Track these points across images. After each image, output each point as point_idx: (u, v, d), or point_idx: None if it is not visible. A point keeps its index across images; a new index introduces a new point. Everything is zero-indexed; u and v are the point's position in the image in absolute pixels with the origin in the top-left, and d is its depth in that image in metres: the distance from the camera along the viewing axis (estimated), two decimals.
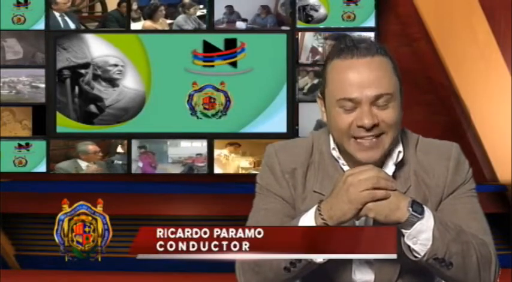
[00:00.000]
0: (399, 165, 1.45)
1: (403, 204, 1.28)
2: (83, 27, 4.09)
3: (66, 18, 4.07)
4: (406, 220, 1.28)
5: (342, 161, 1.45)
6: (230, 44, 4.04)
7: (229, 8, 4.07)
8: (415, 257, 1.31)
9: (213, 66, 4.07)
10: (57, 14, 4.06)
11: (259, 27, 4.06)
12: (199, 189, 4.02)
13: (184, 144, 4.11)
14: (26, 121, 4.12)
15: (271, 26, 4.06)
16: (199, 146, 4.09)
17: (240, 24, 4.07)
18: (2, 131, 4.08)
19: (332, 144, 1.46)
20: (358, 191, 1.27)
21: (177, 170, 4.09)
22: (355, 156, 1.39)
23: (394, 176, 1.42)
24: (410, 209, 1.28)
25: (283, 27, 4.05)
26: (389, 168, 1.43)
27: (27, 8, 4.09)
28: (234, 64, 4.06)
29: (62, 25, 4.07)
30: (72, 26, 4.08)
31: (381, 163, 1.43)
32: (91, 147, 4.09)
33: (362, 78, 1.36)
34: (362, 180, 1.28)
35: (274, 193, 1.46)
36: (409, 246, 1.31)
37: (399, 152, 1.45)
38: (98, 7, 4.13)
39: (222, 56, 4.07)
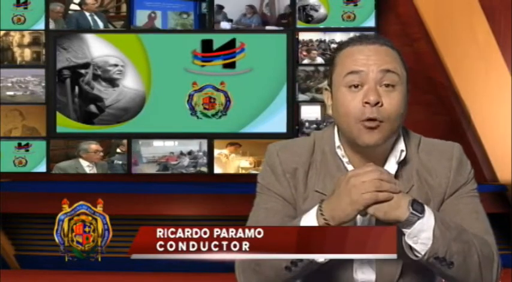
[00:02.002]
0: (402, 164, 1.45)
1: (404, 203, 1.28)
2: (111, 26, 4.10)
3: (96, 17, 4.10)
4: (406, 219, 1.28)
5: (345, 160, 1.45)
6: (208, 45, 4.05)
7: (218, 7, 4.08)
8: (416, 256, 1.31)
9: (213, 66, 4.07)
10: (87, 14, 4.09)
11: (245, 27, 4.06)
12: (199, 189, 4.02)
13: (157, 143, 4.11)
14: (25, 121, 4.12)
15: (255, 26, 4.07)
16: (172, 145, 4.09)
17: (224, 25, 4.07)
18: (10, 132, 4.11)
19: (337, 143, 1.46)
20: (360, 193, 1.27)
21: (152, 169, 4.09)
22: (357, 140, 1.39)
23: (396, 175, 1.42)
24: (411, 207, 1.28)
25: (268, 27, 4.05)
26: (392, 167, 1.43)
27: (27, 8, 4.09)
28: (232, 65, 4.06)
29: (92, 24, 4.10)
30: (100, 24, 4.10)
31: (383, 160, 1.43)
32: (93, 146, 4.09)
33: (369, 57, 1.39)
34: (365, 182, 1.28)
35: (275, 193, 1.46)
36: (410, 246, 1.31)
37: (402, 150, 1.45)
38: (124, 7, 4.15)
39: (221, 56, 4.07)
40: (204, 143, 4.08)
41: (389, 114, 1.37)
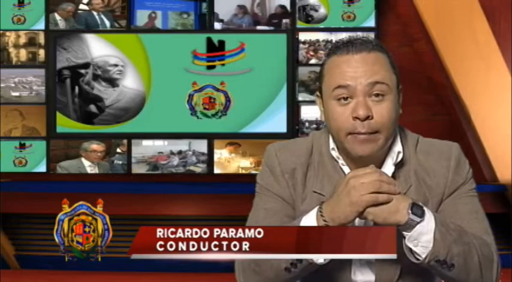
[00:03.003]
0: (399, 165, 1.44)
1: (403, 207, 1.28)
2: (116, 25, 4.11)
3: (103, 16, 4.12)
4: (405, 223, 1.28)
5: (341, 161, 1.45)
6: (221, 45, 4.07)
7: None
8: (417, 259, 1.31)
9: (212, 66, 4.07)
10: (95, 13, 4.11)
11: (236, 27, 4.06)
12: (199, 189, 4.02)
13: (146, 143, 4.11)
14: (25, 121, 4.12)
15: (246, 26, 4.07)
16: (161, 145, 4.10)
17: (215, 25, 4.08)
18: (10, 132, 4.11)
19: (331, 144, 1.46)
20: (359, 194, 1.27)
21: (142, 169, 4.09)
22: (351, 151, 1.38)
23: (394, 176, 1.42)
24: (410, 211, 1.28)
25: (259, 27, 4.06)
26: (389, 168, 1.43)
27: (27, 8, 4.09)
28: (212, 67, 4.07)
29: (99, 22, 4.11)
30: (107, 23, 4.11)
31: (380, 163, 1.43)
32: (93, 146, 4.09)
33: (357, 70, 1.37)
34: (365, 183, 1.27)
35: (274, 193, 1.46)
36: (410, 249, 1.31)
37: (398, 152, 1.44)
38: None
39: (221, 56, 4.07)
40: (193, 142, 4.08)
41: (381, 125, 1.36)
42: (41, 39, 4.11)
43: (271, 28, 4.07)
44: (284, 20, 4.06)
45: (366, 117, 1.35)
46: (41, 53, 4.11)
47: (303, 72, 4.05)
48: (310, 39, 4.03)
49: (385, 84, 1.37)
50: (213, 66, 4.07)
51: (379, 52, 1.40)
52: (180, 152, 4.08)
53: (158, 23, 4.12)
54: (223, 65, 4.07)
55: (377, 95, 1.36)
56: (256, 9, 4.08)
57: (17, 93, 4.11)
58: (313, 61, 4.03)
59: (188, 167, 4.08)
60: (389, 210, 1.27)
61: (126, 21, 4.12)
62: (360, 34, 1.49)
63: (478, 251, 1.32)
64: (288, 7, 4.06)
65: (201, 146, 4.09)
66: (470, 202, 1.44)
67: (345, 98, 1.37)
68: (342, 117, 1.37)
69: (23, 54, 4.12)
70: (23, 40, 4.12)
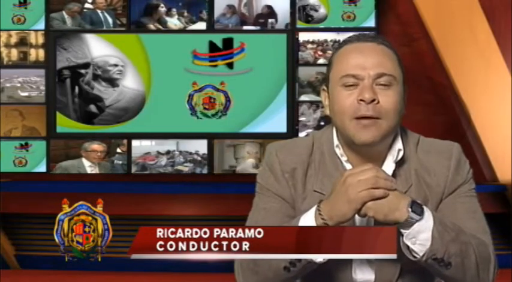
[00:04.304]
0: (400, 164, 1.45)
1: (403, 205, 1.28)
2: (119, 23, 4.11)
3: (106, 14, 4.12)
4: (405, 220, 1.28)
5: (344, 158, 1.45)
6: (228, 43, 4.06)
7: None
8: (414, 257, 1.31)
9: (213, 66, 4.07)
10: (99, 11, 4.11)
11: (223, 27, 4.06)
12: (199, 189, 4.02)
13: (134, 143, 4.10)
14: (25, 121, 4.12)
15: (233, 26, 4.07)
16: (149, 145, 4.09)
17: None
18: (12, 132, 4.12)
19: (335, 142, 1.46)
20: (357, 191, 1.27)
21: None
22: (354, 138, 1.39)
23: (394, 175, 1.43)
24: (410, 209, 1.28)
25: (245, 27, 4.05)
26: (390, 166, 1.43)
27: (27, 8, 4.09)
28: (230, 65, 4.06)
29: (103, 20, 4.11)
30: (110, 21, 4.11)
31: (381, 159, 1.43)
32: (93, 146, 4.09)
33: (366, 59, 1.39)
34: (362, 180, 1.28)
35: (274, 192, 1.46)
36: (407, 247, 1.31)
37: (399, 149, 1.45)
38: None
39: (222, 56, 4.07)
40: (181, 142, 4.08)
41: (386, 111, 1.37)
42: (32, 39, 4.10)
43: (258, 28, 4.07)
44: (270, 20, 4.06)
45: (371, 100, 1.36)
46: (32, 52, 4.11)
47: (310, 72, 4.04)
48: (318, 39, 4.03)
49: (392, 77, 1.39)
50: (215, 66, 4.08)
51: (388, 48, 1.43)
52: (168, 152, 4.09)
53: None
54: (230, 64, 4.05)
55: (383, 84, 1.38)
56: (243, 9, 4.08)
57: (26, 93, 4.11)
58: (321, 61, 4.02)
59: (176, 167, 4.08)
60: (389, 207, 1.28)
61: (126, 21, 4.12)
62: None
63: (476, 251, 1.33)
64: (274, 7, 4.06)
65: (188, 145, 4.09)
66: (469, 202, 1.44)
67: (352, 85, 1.39)
68: (348, 100, 1.38)
69: (14, 54, 4.12)
70: (14, 40, 4.12)
